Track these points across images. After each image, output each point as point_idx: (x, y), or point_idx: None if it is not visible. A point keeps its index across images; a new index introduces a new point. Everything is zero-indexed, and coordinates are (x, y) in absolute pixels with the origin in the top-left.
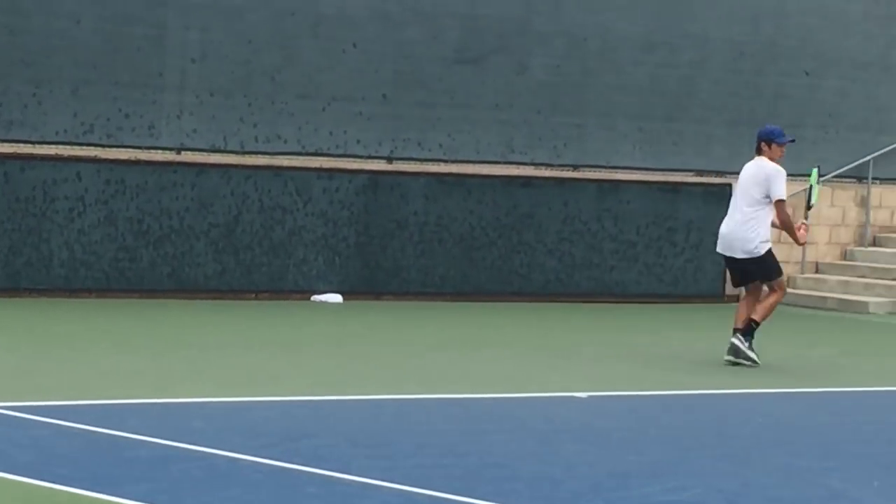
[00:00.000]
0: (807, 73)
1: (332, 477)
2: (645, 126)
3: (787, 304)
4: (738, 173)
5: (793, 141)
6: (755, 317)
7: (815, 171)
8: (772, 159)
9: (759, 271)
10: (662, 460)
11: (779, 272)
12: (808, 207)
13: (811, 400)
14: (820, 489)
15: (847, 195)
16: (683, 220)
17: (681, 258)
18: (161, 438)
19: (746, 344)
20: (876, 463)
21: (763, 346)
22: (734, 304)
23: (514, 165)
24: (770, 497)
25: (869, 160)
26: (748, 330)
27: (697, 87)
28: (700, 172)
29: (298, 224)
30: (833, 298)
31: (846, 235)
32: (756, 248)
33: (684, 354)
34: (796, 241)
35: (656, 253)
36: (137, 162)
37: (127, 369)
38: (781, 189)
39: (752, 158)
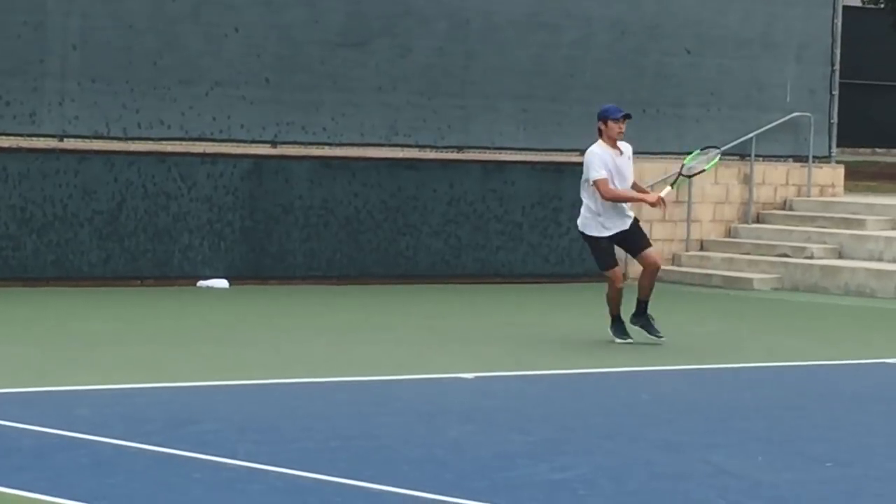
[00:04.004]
0: (688, 52)
1: (217, 462)
2: (529, 107)
3: (673, 282)
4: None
5: (628, 116)
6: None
7: (696, 152)
8: (611, 138)
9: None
10: (548, 440)
11: (600, 264)
12: (673, 183)
13: (696, 376)
14: (704, 465)
15: (730, 173)
16: (568, 200)
17: (566, 238)
18: (44, 427)
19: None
20: (759, 438)
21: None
22: None
23: (398, 148)
24: (655, 473)
25: (751, 137)
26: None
27: (580, 67)
28: (584, 152)
29: (183, 210)
30: (718, 275)
31: (730, 213)
32: (583, 232)
33: (571, 334)
34: (648, 202)
35: (542, 233)
36: (19, 149)
37: (9, 358)
38: (593, 171)
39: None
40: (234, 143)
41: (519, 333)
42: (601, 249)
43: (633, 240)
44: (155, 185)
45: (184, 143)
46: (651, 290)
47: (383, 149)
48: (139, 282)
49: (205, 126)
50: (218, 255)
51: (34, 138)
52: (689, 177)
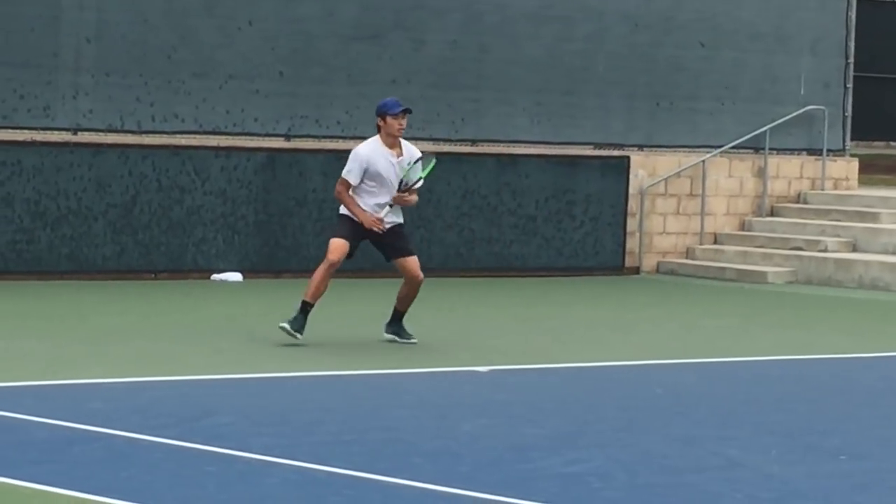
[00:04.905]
0: (702, 45)
1: (231, 455)
2: (542, 100)
3: (687, 276)
4: (636, 146)
5: (408, 111)
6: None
7: (432, 163)
8: (390, 135)
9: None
10: (562, 433)
11: (334, 232)
12: (407, 188)
13: (710, 370)
14: (718, 458)
15: (744, 166)
16: (582, 193)
17: (580, 231)
18: (59, 420)
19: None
20: (773, 432)
21: (661, 316)
22: (634, 277)
23: (412, 141)
24: (669, 466)
25: (765, 131)
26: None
27: (594, 60)
28: (598, 146)
29: (197, 203)
30: (732, 269)
31: (744, 206)
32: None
33: (584, 327)
34: (362, 221)
35: (555, 227)
36: (33, 143)
37: (24, 351)
38: (347, 167)
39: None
40: (248, 137)
41: (533, 327)
42: (346, 225)
43: (393, 244)
44: (169, 179)
45: (198, 136)
46: (411, 302)
47: None
48: (153, 275)
49: (219, 119)
50: (232, 248)
51: (48, 132)
52: (408, 190)
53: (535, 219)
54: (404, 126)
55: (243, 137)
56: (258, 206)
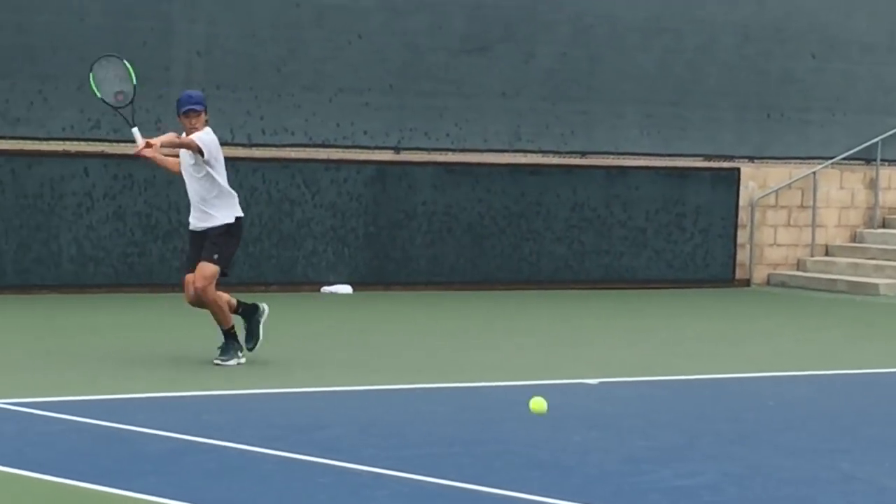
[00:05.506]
0: (813, 56)
1: (343, 467)
2: (652, 112)
3: (798, 288)
4: (746, 158)
5: (192, 110)
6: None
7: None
8: (190, 133)
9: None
10: (673, 445)
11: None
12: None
13: (822, 382)
14: (831, 471)
15: (856, 177)
16: (692, 205)
17: (690, 243)
18: (171, 432)
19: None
20: (886, 444)
21: (772, 328)
22: (744, 289)
23: (521, 153)
24: (781, 480)
25: (877, 142)
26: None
27: (704, 71)
28: (708, 157)
29: (307, 216)
30: (843, 281)
31: (855, 217)
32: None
33: (695, 339)
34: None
35: (665, 238)
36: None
37: (137, 363)
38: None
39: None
40: (358, 150)
41: (643, 339)
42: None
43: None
44: (279, 192)
45: (307, 149)
46: (212, 313)
47: (506, 154)
48: (264, 287)
49: (328, 132)
50: (342, 260)
51: None
52: (124, 106)
53: (645, 231)
54: (197, 127)
55: (353, 150)
56: (368, 218)
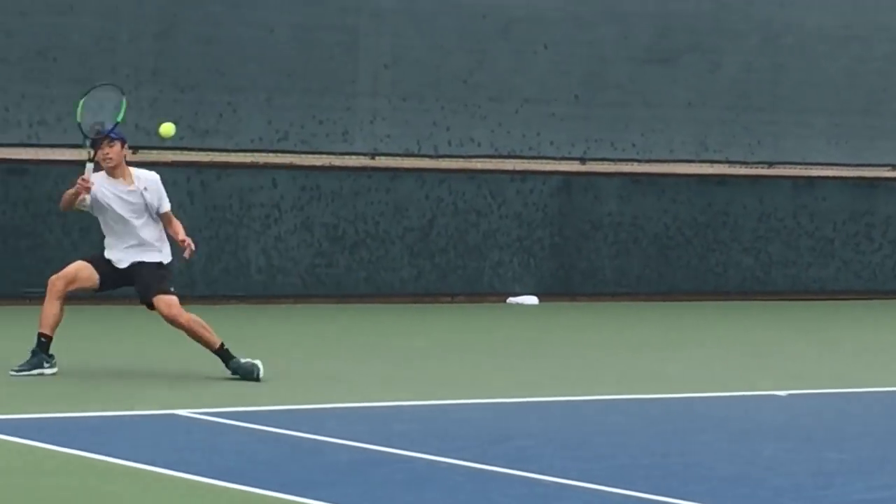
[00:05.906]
0: None
1: (531, 478)
2: (840, 121)
3: None
4: None
5: (98, 138)
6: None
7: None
8: (104, 161)
9: None
10: (866, 458)
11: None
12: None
13: None
14: None
15: None
16: (881, 215)
17: (879, 254)
18: (360, 442)
19: None
20: None
21: None
22: None
23: (708, 164)
24: None
25: None
26: None
27: (894, 80)
28: None
29: (493, 227)
30: None
31: None
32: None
33: (888, 351)
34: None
35: (854, 249)
36: (332, 168)
37: (326, 373)
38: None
39: None
40: (544, 160)
41: (832, 350)
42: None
43: (140, 283)
44: (465, 203)
45: (493, 160)
46: (202, 342)
47: (692, 165)
48: (450, 298)
49: (514, 143)
50: (528, 271)
51: (347, 156)
52: (99, 139)
53: (833, 241)
54: (110, 155)
55: (539, 161)
56: (553, 229)
